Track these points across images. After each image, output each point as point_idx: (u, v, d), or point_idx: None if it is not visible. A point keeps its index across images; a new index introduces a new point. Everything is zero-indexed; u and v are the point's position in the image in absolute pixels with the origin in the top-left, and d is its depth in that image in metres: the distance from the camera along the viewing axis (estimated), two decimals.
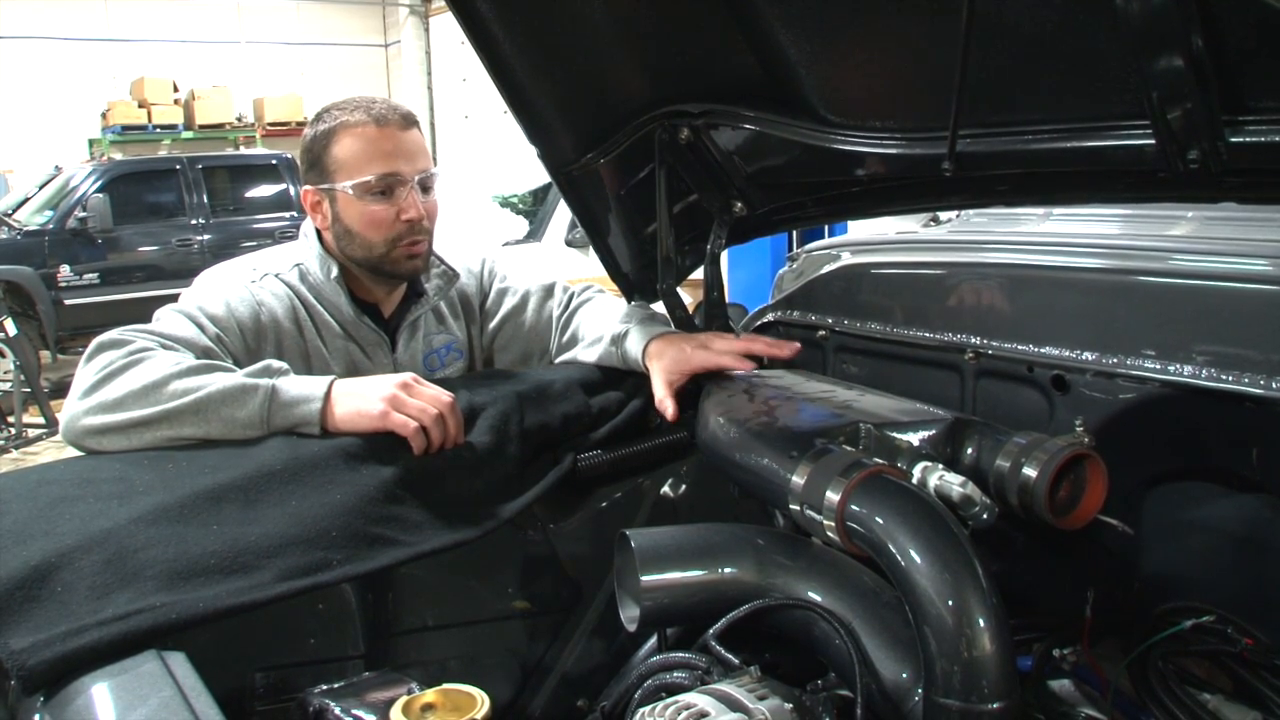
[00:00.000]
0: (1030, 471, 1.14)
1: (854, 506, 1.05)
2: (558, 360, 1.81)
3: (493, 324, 1.85)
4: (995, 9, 1.13)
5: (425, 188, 1.63)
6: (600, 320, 1.77)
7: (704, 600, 1.19)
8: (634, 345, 1.66)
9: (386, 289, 1.72)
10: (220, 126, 14.49)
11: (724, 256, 1.86)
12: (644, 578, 1.17)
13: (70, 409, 1.32)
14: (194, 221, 8.79)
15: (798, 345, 1.56)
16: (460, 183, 8.07)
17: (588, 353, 1.75)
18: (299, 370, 1.45)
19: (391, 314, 1.73)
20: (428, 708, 0.94)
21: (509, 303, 1.85)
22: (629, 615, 1.21)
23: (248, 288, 1.57)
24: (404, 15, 16.21)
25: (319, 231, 1.68)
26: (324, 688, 1.02)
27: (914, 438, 1.22)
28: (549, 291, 1.87)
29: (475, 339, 1.85)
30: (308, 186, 1.65)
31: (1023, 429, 1.22)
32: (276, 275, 1.62)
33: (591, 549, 1.56)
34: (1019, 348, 1.52)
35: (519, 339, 1.84)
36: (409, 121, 1.63)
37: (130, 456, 1.27)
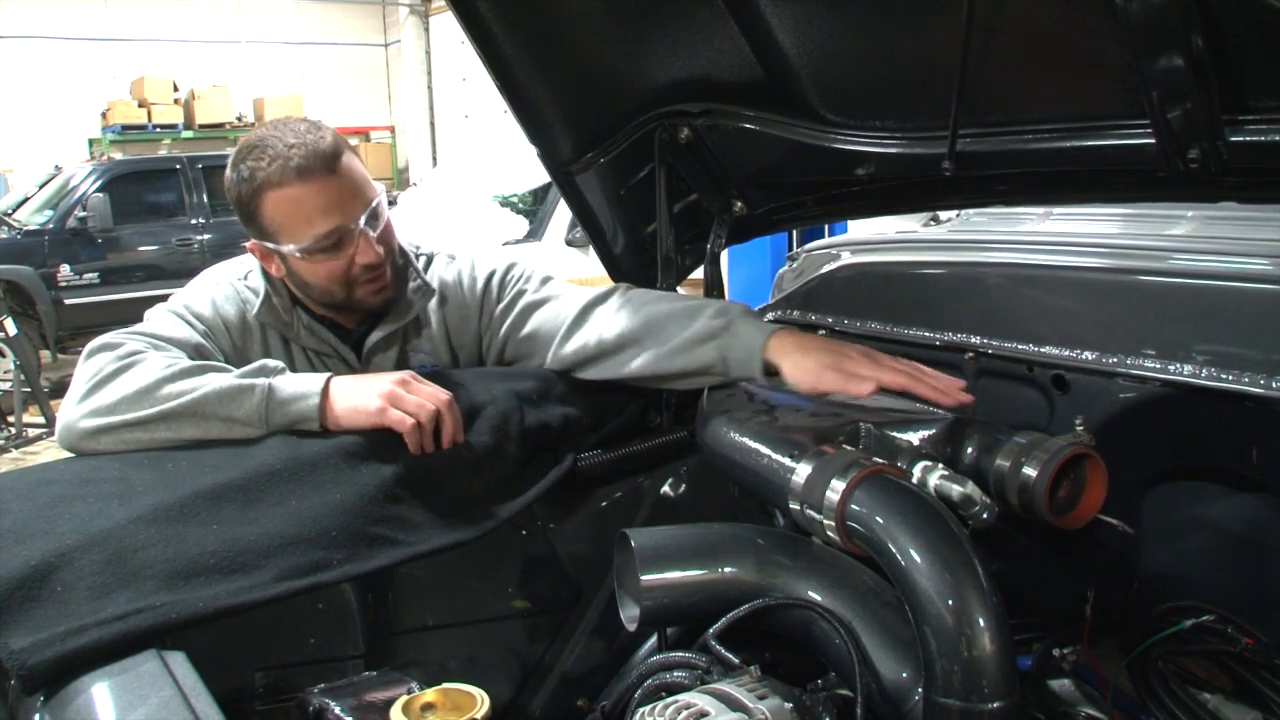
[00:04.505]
0: (1030, 471, 1.14)
1: (854, 506, 1.05)
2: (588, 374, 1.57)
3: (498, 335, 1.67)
4: (995, 9, 1.13)
5: (374, 217, 1.50)
6: (654, 318, 1.51)
7: (704, 600, 1.19)
8: (747, 341, 1.41)
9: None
10: (220, 126, 14.48)
11: (724, 256, 1.86)
12: (644, 577, 1.17)
13: (66, 414, 1.33)
14: (194, 221, 8.78)
15: (970, 399, 1.29)
16: (460, 183, 8.04)
17: (649, 360, 1.48)
18: (289, 363, 1.45)
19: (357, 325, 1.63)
20: (428, 707, 0.94)
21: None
22: (629, 615, 1.21)
23: (233, 285, 1.58)
24: (404, 15, 16.21)
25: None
26: (324, 687, 1.03)
27: (914, 437, 1.22)
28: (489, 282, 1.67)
29: (468, 349, 1.70)
30: (252, 241, 1.53)
31: (1023, 429, 1.22)
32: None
33: (591, 549, 1.55)
34: (1019, 347, 1.52)
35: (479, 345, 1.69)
36: (333, 160, 1.45)
37: (130, 456, 1.27)
